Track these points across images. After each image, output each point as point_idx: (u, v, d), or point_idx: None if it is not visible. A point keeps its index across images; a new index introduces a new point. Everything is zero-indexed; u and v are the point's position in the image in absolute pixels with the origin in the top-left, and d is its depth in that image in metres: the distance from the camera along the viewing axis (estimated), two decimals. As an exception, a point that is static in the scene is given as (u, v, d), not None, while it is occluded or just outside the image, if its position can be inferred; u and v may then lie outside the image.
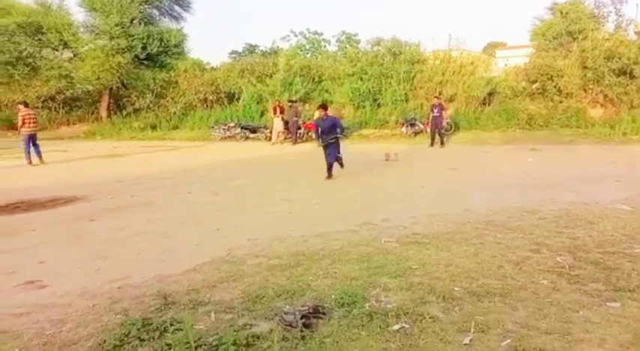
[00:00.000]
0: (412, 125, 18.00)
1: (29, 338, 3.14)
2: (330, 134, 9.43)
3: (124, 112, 25.97)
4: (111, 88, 26.36)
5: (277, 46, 31.35)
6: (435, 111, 15.61)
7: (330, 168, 9.63)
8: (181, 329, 3.10)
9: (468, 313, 3.28)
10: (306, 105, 21.69)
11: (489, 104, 19.27)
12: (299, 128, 18.50)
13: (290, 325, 3.17)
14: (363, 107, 20.78)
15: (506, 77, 20.29)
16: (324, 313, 3.34)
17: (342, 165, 9.88)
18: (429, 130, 16.34)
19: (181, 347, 2.90)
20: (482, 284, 3.78)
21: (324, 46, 30.82)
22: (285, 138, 18.64)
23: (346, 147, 16.73)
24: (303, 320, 3.21)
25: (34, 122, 14.33)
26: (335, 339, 3.00)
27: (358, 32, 31.16)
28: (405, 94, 20.46)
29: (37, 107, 26.89)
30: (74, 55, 26.68)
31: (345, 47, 28.40)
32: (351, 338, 3.00)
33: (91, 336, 3.16)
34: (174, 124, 24.07)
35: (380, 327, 3.12)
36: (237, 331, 3.11)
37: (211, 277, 4.21)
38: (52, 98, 27.20)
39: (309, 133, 18.64)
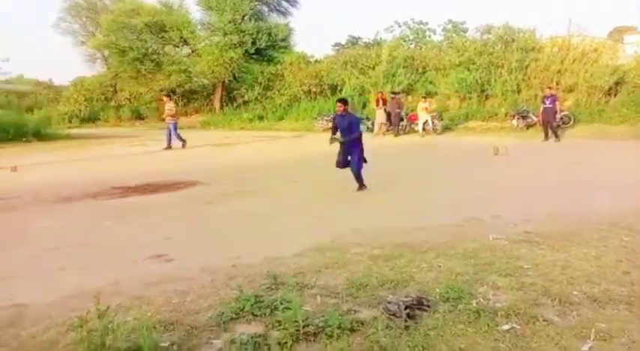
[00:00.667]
0: (524, 117, 16.88)
1: (159, 305, 3.51)
2: (349, 135, 7.81)
3: (235, 104, 27.59)
4: (223, 82, 28.14)
5: (380, 38, 31.14)
6: (547, 102, 14.51)
7: (359, 177, 7.89)
8: (290, 308, 3.27)
9: (587, 319, 3.06)
10: (409, 97, 21.33)
11: (615, 95, 17.40)
12: (401, 120, 18.27)
13: (394, 315, 3.20)
14: (470, 99, 19.91)
15: (636, 65, 18.14)
16: (428, 306, 3.32)
17: (359, 181, 7.92)
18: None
19: (290, 325, 3.06)
20: (604, 290, 3.49)
21: (429, 36, 29.87)
22: (387, 130, 18.52)
23: (452, 140, 16.26)
24: (407, 311, 3.21)
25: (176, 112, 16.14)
26: (440, 333, 2.97)
27: (466, 20, 29.65)
28: (517, 84, 19.22)
29: (160, 99, 29.69)
30: (192, 51, 28.86)
31: (452, 36, 27.29)
32: (457, 334, 2.95)
33: (210, 307, 3.45)
34: (280, 115, 25.06)
35: (488, 325, 3.02)
36: (342, 316, 3.20)
37: (316, 263, 4.36)
38: (173, 91, 29.70)
39: (412, 125, 18.34)
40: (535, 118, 16.72)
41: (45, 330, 3.15)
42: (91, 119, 28.89)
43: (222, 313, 3.29)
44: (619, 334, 2.88)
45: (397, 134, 17.88)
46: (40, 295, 3.74)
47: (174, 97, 29.75)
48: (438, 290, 3.56)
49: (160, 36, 27.74)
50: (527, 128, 16.76)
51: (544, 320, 3.06)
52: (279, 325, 3.10)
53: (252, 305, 3.37)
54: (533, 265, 4.03)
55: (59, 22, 34.90)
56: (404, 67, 22.28)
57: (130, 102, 30.66)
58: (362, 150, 7.85)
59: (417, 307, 3.29)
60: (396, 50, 23.63)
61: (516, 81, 19.18)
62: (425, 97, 18.44)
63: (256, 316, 3.27)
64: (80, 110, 28.64)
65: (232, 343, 2.86)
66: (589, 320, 3.04)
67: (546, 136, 14.68)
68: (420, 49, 26.98)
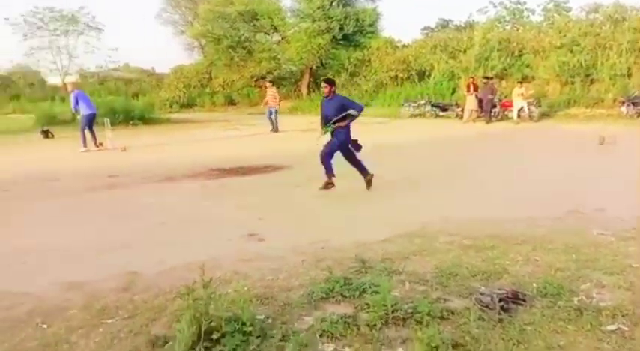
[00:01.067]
0: (635, 104, 15.34)
1: (254, 280, 3.72)
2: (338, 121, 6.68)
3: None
4: (311, 68, 28.55)
5: (473, 20, 29.77)
6: None
7: (360, 165, 6.95)
8: (378, 292, 3.31)
9: None
10: (503, 81, 20.23)
11: None
12: (494, 106, 17.41)
13: (487, 307, 3.12)
14: (572, 83, 18.47)
15: None
16: (524, 300, 3.19)
17: (361, 171, 6.97)
18: None
19: (379, 308, 3.10)
20: None
21: (527, 17, 27.95)
22: (478, 116, 17.75)
23: (551, 127, 15.21)
24: (501, 304, 3.12)
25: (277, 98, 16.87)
26: (537, 328, 2.85)
27: (569, -2, 27.35)
28: (628, 67, 17.48)
29: (251, 86, 30.83)
30: (281, 39, 29.54)
31: (553, 16, 25.33)
32: (556, 331, 2.82)
33: (301, 286, 3.59)
34: (366, 102, 24.90)
35: (591, 324, 2.85)
36: (431, 303, 3.18)
37: (405, 249, 4.35)
38: (263, 77, 30.72)
39: (506, 112, 17.42)
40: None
41: (155, 296, 3.48)
42: (188, 105, 30.71)
43: (313, 292, 3.41)
44: None
45: (489, 121, 17.08)
46: (150, 264, 4.12)
47: (264, 83, 30.88)
48: (534, 285, 3.41)
49: (251, 24, 28.67)
50: (639, 116, 15.22)
51: (657, 324, 2.82)
52: (368, 308, 3.16)
53: (341, 286, 3.45)
54: (644, 264, 3.72)
55: (161, 12, 37.37)
56: (498, 50, 21.15)
57: (223, 88, 32.14)
58: (349, 135, 6.73)
59: (511, 300, 3.18)
60: (490, 32, 22.50)
61: (627, 64, 17.45)
62: (521, 82, 17.40)
63: (345, 297, 3.35)
64: (179, 96, 30.56)
65: (323, 321, 2.96)
66: None
67: None
68: (517, 30, 25.39)
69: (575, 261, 3.82)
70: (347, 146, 6.78)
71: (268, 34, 29.78)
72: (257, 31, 29.28)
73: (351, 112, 6.65)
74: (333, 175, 6.85)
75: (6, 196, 7.34)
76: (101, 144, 12.48)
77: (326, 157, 6.73)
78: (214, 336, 2.68)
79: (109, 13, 73.10)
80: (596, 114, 16.63)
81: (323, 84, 6.89)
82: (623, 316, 2.93)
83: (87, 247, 4.72)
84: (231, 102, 31.54)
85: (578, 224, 4.90)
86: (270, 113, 16.28)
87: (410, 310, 3.09)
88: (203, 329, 2.65)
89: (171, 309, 3.23)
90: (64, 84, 27.60)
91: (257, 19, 28.35)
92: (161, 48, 72.29)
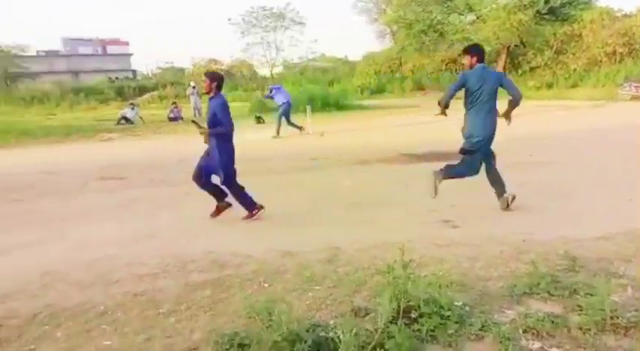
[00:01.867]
0: None
1: (450, 266, 3.69)
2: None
3: (520, 71, 25.73)
4: (508, 47, 26.50)
5: None
6: None
7: (217, 195, 5.33)
8: (593, 295, 2.98)
9: None
10: None
11: None
12: None
13: None
14: None
15: None
16: None
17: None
18: None
19: (595, 312, 2.79)
20: None
21: None
22: None
23: None
24: None
25: None
26: None
27: None
28: None
29: (441, 70, 30.11)
30: (477, 18, 28.00)
31: None
32: None
33: (500, 277, 3.45)
34: (574, 82, 22.19)
35: None
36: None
37: (626, 250, 3.82)
38: (454, 61, 29.70)
39: None
40: None
41: (355, 270, 3.74)
42: (378, 91, 31.55)
43: (515, 285, 3.25)
44: None
45: None
46: (349, 241, 4.42)
47: (455, 67, 29.71)
48: None
49: (445, 5, 27.85)
50: None
51: None
52: (581, 310, 2.88)
53: (547, 284, 3.21)
54: None
55: (357, 2, 38.90)
56: None
57: (413, 73, 32.10)
58: (229, 155, 5.11)
59: None
60: None
61: None
62: None
63: (552, 295, 3.10)
64: (370, 83, 31.56)
65: (527, 317, 2.81)
66: None
67: None
68: None
69: None
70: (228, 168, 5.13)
71: (462, 15, 28.53)
72: (451, 11, 28.31)
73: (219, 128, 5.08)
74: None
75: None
76: (303, 128, 13.68)
77: (225, 189, 5.28)
78: (413, 314, 2.77)
79: (310, 6, 79.17)
80: None
81: (204, 78, 5.21)
82: None
83: (293, 221, 5.29)
84: (420, 87, 31.33)
85: None
86: None
87: (634, 319, 2.72)
88: (402, 307, 2.76)
89: (371, 284, 3.43)
90: (272, 75, 30.96)
91: (451, 0, 27.39)
92: (355, 37, 75.44)
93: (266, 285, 3.55)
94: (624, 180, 6.34)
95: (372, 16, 38.74)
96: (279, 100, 13.45)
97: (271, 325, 2.56)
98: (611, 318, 2.75)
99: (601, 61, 21.83)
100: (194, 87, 21.75)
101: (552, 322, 2.75)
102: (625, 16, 24.06)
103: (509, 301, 3.08)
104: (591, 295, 3.02)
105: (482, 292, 3.24)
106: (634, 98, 17.36)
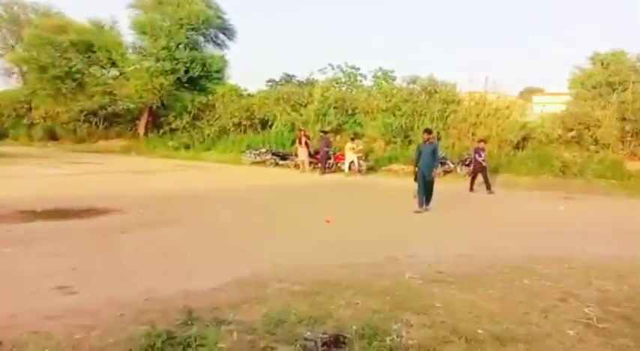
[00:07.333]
0: (442, 164, 17.92)
1: (59, 341, 3.24)
2: None
3: (161, 131, 26.83)
4: (150, 107, 27.38)
5: (314, 78, 32.05)
6: (483, 154, 14.64)
7: None
8: (204, 345, 3.16)
9: (490, 357, 3.23)
10: (338, 136, 21.95)
11: (523, 149, 19.08)
12: (329, 158, 18.69)
13: (310, 352, 3.19)
14: (395, 143, 20.87)
15: (542, 123, 20.10)
16: (344, 343, 3.35)
17: None
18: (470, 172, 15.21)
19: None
20: (506, 329, 3.72)
21: (360, 81, 31.21)
22: (314, 167, 18.83)
23: (375, 181, 16.83)
24: (324, 348, 3.23)
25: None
26: (354, 370, 3.00)
27: (395, 69, 31.36)
28: (438, 132, 20.44)
29: (79, 120, 28.12)
30: (120, 74, 27.91)
31: (381, 83, 28.71)
32: (370, 371, 3.00)
33: (117, 344, 3.24)
34: (208, 146, 24.68)
35: (399, 362, 3.11)
36: (257, 353, 3.14)
37: (235, 298, 4.27)
38: (94, 113, 28.43)
39: (339, 164, 18.81)
40: (452, 165, 17.87)
41: None
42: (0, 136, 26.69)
43: (130, 349, 3.11)
44: (517, 371, 3.07)
45: (323, 172, 18.22)
46: None
47: (95, 119, 28.37)
48: (354, 327, 3.60)
49: (86, 55, 26.60)
50: (445, 174, 17.78)
51: (452, 358, 3.20)
52: (191, 363, 2.99)
53: (163, 342, 3.21)
54: (444, 303, 4.22)
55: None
56: (335, 108, 23.01)
57: (45, 121, 28.82)
58: None
59: (333, 344, 3.32)
60: (328, 91, 24.41)
61: (437, 129, 20.40)
62: (353, 138, 19.07)
63: (167, 353, 3.12)
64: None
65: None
66: (492, 358, 3.22)
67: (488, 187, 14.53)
68: (351, 92, 28.07)
69: (390, 303, 4.18)
70: None
71: (105, 68, 27.87)
72: (92, 63, 27.21)
73: None
74: None
75: None
76: None
77: None
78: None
79: None
80: (412, 170, 18.95)
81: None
82: (425, 352, 3.25)
83: None
84: (52, 137, 28.33)
85: (394, 269, 5.40)
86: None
87: (234, 363, 3.00)
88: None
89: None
90: None
91: (93, 51, 26.44)
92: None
93: None
94: (241, 234, 7.25)
95: (-4, 50, 33.12)
96: None
97: None
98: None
99: (230, 129, 25.14)
100: None
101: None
102: (249, 95, 28.88)
103: (122, 369, 2.91)
104: (202, 346, 3.18)
105: (93, 364, 2.94)
106: (253, 163, 20.76)
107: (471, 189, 14.68)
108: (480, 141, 15.67)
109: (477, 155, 14.78)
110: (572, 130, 18.87)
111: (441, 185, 15.25)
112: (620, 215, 11.17)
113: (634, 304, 4.44)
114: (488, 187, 14.40)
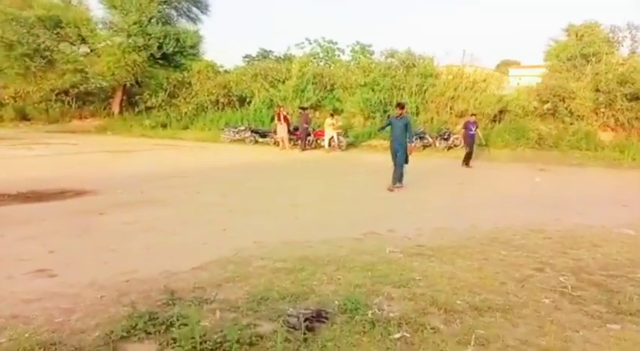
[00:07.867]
0: (421, 138, 18.04)
1: (39, 324, 3.21)
2: None
3: (136, 110, 26.21)
4: (124, 85, 26.65)
5: (291, 53, 31.58)
6: (474, 128, 14.63)
7: None
8: (187, 325, 3.17)
9: (468, 327, 3.33)
10: (317, 112, 21.82)
11: (500, 122, 19.29)
12: (308, 135, 18.61)
13: (293, 328, 3.23)
14: (374, 118, 20.86)
15: (517, 96, 20.30)
16: (326, 318, 3.40)
17: None
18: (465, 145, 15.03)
19: (187, 342, 2.96)
20: (484, 299, 3.82)
21: (338, 56, 30.95)
22: (294, 144, 18.74)
23: (355, 157, 16.87)
24: (307, 323, 3.27)
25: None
26: (337, 343, 3.05)
27: (372, 43, 31.26)
28: (417, 107, 20.52)
29: (50, 100, 27.24)
30: (91, 51, 26.96)
31: (359, 57, 28.50)
32: (353, 344, 3.06)
33: (98, 326, 3.23)
34: (185, 124, 24.25)
35: (381, 334, 3.17)
36: (241, 330, 3.16)
37: (217, 276, 4.27)
38: (66, 92, 27.52)
39: (319, 141, 18.75)
40: (431, 140, 18.01)
41: None
42: (-35, 117, 25.76)
43: (112, 331, 3.10)
44: (495, 339, 3.17)
45: (303, 149, 18.16)
46: None
47: (67, 98, 27.49)
48: (336, 302, 3.66)
49: (54, 32, 25.53)
50: (424, 148, 17.92)
51: (431, 328, 3.28)
52: (175, 343, 3.00)
53: (145, 322, 3.21)
54: (423, 276, 4.31)
55: None
56: (313, 84, 22.78)
57: (15, 101, 27.84)
58: None
59: (316, 319, 3.36)
60: (306, 66, 24.11)
61: (415, 104, 20.47)
62: (332, 114, 18.98)
63: (150, 333, 3.12)
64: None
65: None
66: (470, 327, 3.32)
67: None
68: (329, 67, 27.81)
69: (371, 277, 4.24)
70: None
71: (74, 45, 26.87)
72: (61, 39, 26.15)
73: None
74: None
75: None
76: None
77: None
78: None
79: None
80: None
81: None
82: (407, 324, 3.33)
83: None
84: (24, 117, 27.46)
85: (374, 244, 5.47)
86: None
87: (219, 340, 3.03)
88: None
89: None
90: None
91: (61, 27, 25.40)
92: None
93: None
94: (221, 213, 7.21)
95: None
96: None
97: None
98: (201, 343, 2.97)
99: (207, 107, 24.68)
100: None
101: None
102: (226, 71, 28.29)
103: (105, 350, 2.90)
104: (185, 325, 3.19)
105: (75, 347, 2.93)
106: (232, 141, 20.53)
107: (467, 164, 14.50)
108: (472, 115, 15.77)
109: (467, 130, 14.74)
110: (547, 102, 19.13)
111: (419, 159, 15.39)
112: (593, 186, 11.48)
113: (607, 272, 4.61)
114: (467, 161, 14.57)
